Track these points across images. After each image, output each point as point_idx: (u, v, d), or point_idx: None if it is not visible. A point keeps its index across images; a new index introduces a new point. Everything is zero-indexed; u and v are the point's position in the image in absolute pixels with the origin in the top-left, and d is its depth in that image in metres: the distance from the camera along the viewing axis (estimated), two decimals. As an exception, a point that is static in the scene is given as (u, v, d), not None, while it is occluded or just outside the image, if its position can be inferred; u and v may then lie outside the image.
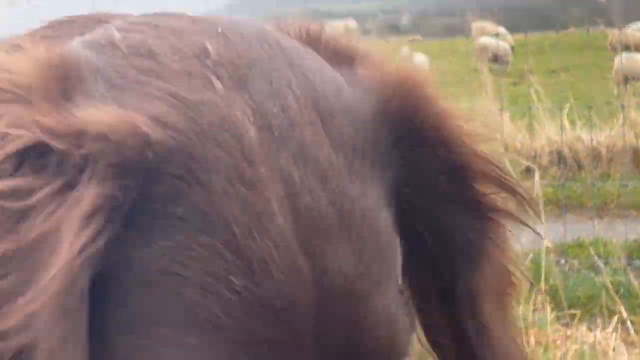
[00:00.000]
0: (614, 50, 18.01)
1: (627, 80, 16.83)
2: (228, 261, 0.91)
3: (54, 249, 0.87)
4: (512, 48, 22.98)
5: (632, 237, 8.36)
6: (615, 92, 16.69)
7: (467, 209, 1.10)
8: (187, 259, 0.91)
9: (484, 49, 20.80)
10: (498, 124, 10.29)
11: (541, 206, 6.68)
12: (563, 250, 7.98)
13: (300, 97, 0.99)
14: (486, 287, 1.12)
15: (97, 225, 0.88)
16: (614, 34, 17.34)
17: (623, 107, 10.76)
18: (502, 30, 24.21)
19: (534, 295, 6.16)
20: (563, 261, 7.75)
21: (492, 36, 21.25)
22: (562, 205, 9.64)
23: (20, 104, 0.93)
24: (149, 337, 0.92)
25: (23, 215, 0.88)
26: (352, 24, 24.78)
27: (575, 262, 7.40)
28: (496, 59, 23.17)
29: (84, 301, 0.88)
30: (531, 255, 6.60)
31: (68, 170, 0.89)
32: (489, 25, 22.49)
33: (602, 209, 9.84)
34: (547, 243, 6.80)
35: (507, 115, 11.01)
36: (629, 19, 15.42)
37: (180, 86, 0.97)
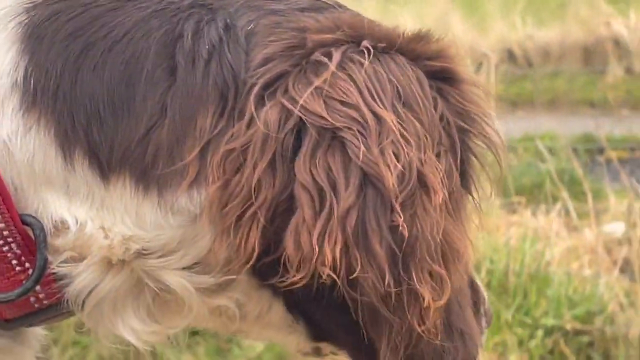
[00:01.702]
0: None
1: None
2: None
3: None
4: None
5: (580, 131, 8.45)
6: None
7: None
8: None
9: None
10: (448, 23, 10.34)
11: (491, 103, 6.73)
12: (512, 145, 8.06)
13: None
14: None
15: None
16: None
17: None
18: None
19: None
20: (512, 155, 7.83)
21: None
22: (511, 102, 9.71)
23: None
24: None
25: None
26: None
27: (522, 152, 7.47)
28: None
29: None
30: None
31: None
32: None
33: (552, 105, 9.92)
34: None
35: (457, 15, 11.02)
36: None
37: None
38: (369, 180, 1.31)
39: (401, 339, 1.35)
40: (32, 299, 1.43)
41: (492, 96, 5.60)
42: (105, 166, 1.38)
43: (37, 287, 1.41)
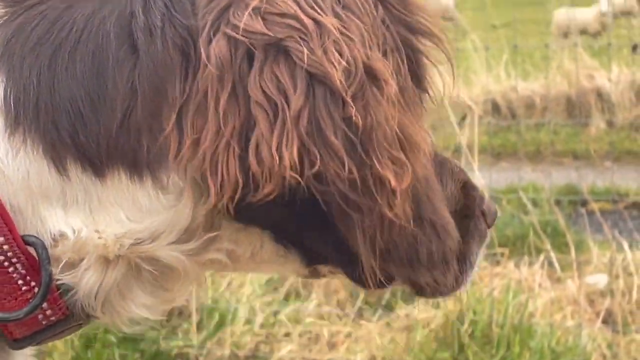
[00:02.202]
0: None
1: (565, 34, 17.02)
2: None
3: None
4: (454, 4, 23.06)
5: (563, 182, 8.50)
6: (554, 45, 16.88)
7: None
8: None
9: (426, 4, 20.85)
10: (432, 75, 10.34)
11: (475, 154, 6.80)
12: (495, 196, 8.10)
13: None
14: None
15: None
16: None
17: (547, 52, 10.86)
18: (442, -14, 24.29)
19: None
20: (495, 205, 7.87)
21: (433, -7, 21.28)
22: (495, 153, 9.78)
23: None
24: None
25: None
26: None
27: (506, 203, 7.51)
28: (441, 16, 23.28)
29: None
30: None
31: None
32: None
33: (536, 157, 9.99)
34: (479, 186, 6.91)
35: (441, 67, 11.09)
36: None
37: None
38: (315, 80, 1.35)
39: (374, 227, 1.40)
40: (40, 316, 1.46)
41: (476, 147, 5.64)
42: (98, 164, 1.41)
43: (44, 305, 1.44)
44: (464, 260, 1.67)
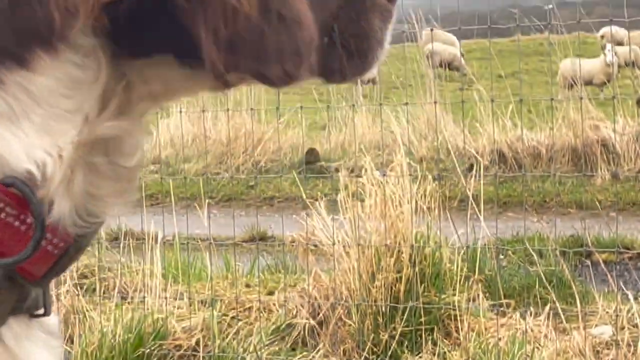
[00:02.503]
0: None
1: (571, 85, 17.13)
2: None
3: None
4: (462, 54, 23.24)
5: (568, 232, 8.55)
6: (560, 96, 16.98)
7: None
8: None
9: (433, 54, 20.98)
10: (439, 125, 10.52)
11: (481, 204, 6.86)
12: (501, 246, 8.15)
13: None
14: None
15: None
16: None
17: (552, 103, 10.94)
18: (450, 36, 24.41)
19: (469, 285, 6.33)
20: (501, 256, 7.93)
21: (441, 42, 21.41)
22: (501, 203, 9.83)
23: None
24: None
25: None
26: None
27: (512, 254, 7.56)
28: (447, 65, 23.40)
29: None
30: (467, 246, 6.79)
31: None
32: (438, 32, 22.70)
33: (541, 207, 10.04)
34: (485, 237, 6.98)
35: (449, 117, 11.20)
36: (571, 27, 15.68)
37: None
38: None
39: (216, 16, 1.33)
40: (49, 247, 1.43)
41: (482, 197, 5.68)
42: (19, 54, 1.34)
43: (48, 235, 1.41)
44: (366, 38, 1.61)
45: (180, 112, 10.79)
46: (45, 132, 1.37)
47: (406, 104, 7.83)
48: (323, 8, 1.55)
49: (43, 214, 1.39)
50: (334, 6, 1.58)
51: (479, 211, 6.76)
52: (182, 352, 6.13)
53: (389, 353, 5.81)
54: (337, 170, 10.50)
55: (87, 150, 1.43)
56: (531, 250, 6.90)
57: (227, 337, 5.91)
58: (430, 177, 6.74)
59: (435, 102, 9.01)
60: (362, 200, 6.57)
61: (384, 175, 6.56)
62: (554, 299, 5.95)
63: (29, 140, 1.36)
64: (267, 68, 1.44)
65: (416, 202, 6.52)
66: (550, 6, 13.75)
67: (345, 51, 1.59)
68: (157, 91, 1.51)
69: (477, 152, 10.33)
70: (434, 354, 5.55)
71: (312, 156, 10.94)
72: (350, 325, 6.08)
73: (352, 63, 1.60)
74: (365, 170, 6.69)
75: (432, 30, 11.12)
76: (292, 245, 7.19)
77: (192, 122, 11.26)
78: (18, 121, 1.35)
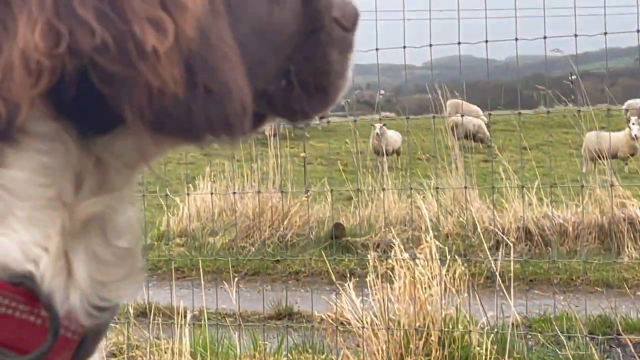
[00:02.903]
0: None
1: (594, 159, 17.14)
2: None
3: None
4: (487, 125, 23.34)
5: (596, 312, 8.52)
6: (584, 169, 16.99)
7: None
8: None
9: (457, 126, 21.06)
10: (465, 200, 10.55)
11: (508, 281, 6.87)
12: (529, 325, 8.13)
13: None
14: None
15: None
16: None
17: (583, 185, 10.96)
18: (474, 107, 24.54)
19: (498, 368, 6.32)
20: (529, 335, 7.90)
21: (466, 113, 21.48)
22: (528, 281, 9.81)
23: None
24: None
25: None
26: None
27: (541, 337, 7.53)
28: (472, 136, 23.49)
29: None
30: (496, 329, 6.78)
31: None
32: (462, 103, 22.83)
33: (568, 285, 10.01)
34: (512, 317, 6.97)
35: (475, 192, 11.23)
36: (595, 100, 15.75)
37: None
38: None
39: (141, 97, 1.30)
40: (68, 334, 1.43)
41: (509, 275, 5.69)
42: None
43: (65, 322, 1.40)
44: (325, 73, 1.59)
45: (212, 194, 10.88)
46: (33, 226, 1.36)
47: (436, 188, 7.85)
48: (277, 53, 1.54)
49: (55, 305, 1.38)
50: (288, 49, 1.56)
51: (506, 289, 6.76)
52: None
53: None
54: (363, 245, 10.52)
55: (80, 236, 1.42)
56: (559, 334, 6.88)
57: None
58: (459, 260, 6.76)
59: (465, 187, 9.07)
60: (392, 282, 6.59)
61: (413, 258, 6.59)
62: (584, 384, 5.93)
63: (22, 237, 1.35)
64: (197, 138, 1.40)
65: (445, 284, 6.54)
66: (574, 77, 13.83)
67: (305, 91, 1.57)
68: (131, 160, 1.49)
69: (504, 229, 10.36)
70: None
71: (338, 230, 10.97)
72: (379, 408, 6.07)
73: (313, 101, 1.59)
74: (392, 248, 6.73)
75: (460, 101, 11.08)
76: (321, 325, 7.20)
77: (218, 196, 11.32)
78: (6, 219, 1.35)
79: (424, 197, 11.04)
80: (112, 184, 1.46)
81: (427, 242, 6.57)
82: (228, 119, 1.40)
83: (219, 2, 1.41)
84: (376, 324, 6.54)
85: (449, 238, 10.31)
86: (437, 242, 6.71)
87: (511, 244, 7.89)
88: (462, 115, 19.39)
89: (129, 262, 1.51)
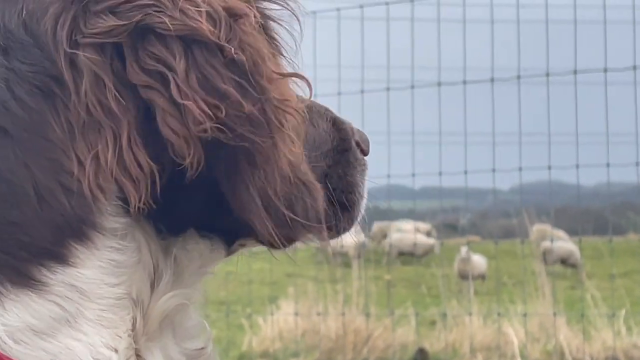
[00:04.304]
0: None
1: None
2: None
3: None
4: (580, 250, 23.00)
5: None
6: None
7: None
8: None
9: (549, 252, 20.75)
10: (553, 327, 10.34)
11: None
12: None
13: None
14: None
15: None
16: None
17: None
18: (561, 233, 24.19)
19: None
20: None
21: (555, 239, 21.16)
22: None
23: None
24: None
25: None
26: (409, 224, 24.89)
27: None
28: (563, 261, 23.10)
29: None
30: None
31: None
32: (548, 228, 22.56)
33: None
34: None
35: (562, 320, 11.00)
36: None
37: None
38: (188, 40, 1.39)
39: (265, 179, 1.41)
40: None
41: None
42: (55, 251, 1.38)
43: None
44: (353, 193, 1.70)
45: (296, 314, 10.84)
46: (102, 326, 1.38)
47: (524, 315, 7.72)
48: (317, 169, 1.62)
49: None
50: (324, 166, 1.66)
51: None
52: None
53: None
54: (447, 371, 10.34)
55: (155, 336, 1.45)
56: None
57: None
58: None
59: (554, 314, 8.90)
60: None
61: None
62: None
63: (91, 340, 1.36)
64: (297, 234, 1.51)
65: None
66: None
67: (338, 208, 1.67)
68: (197, 263, 1.54)
69: (592, 358, 10.10)
70: None
71: (422, 355, 10.81)
72: None
73: (344, 218, 1.68)
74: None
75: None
76: None
77: (301, 317, 11.27)
78: (76, 322, 1.36)
79: (510, 323, 10.84)
80: (185, 282, 1.51)
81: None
82: (319, 214, 1.51)
83: None
84: None
85: (536, 366, 10.09)
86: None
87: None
88: (552, 240, 19.17)
89: None
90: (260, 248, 1.62)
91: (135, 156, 1.37)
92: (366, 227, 1.69)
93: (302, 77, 1.55)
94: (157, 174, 1.39)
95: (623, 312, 11.11)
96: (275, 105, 1.41)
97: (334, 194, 1.66)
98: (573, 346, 10.24)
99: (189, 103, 1.35)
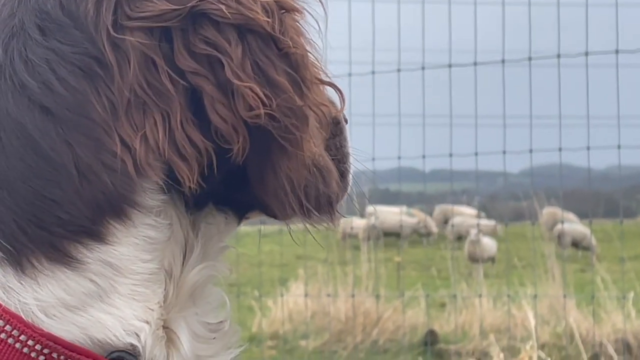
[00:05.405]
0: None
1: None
2: None
3: None
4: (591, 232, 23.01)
5: None
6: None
7: None
8: None
9: (562, 234, 20.74)
10: (563, 310, 10.35)
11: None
12: None
13: None
14: None
15: None
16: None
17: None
18: (571, 216, 24.18)
19: None
20: None
21: (566, 222, 21.14)
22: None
23: None
24: None
25: None
26: (469, 209, 24.72)
27: None
28: (576, 244, 23.09)
29: None
30: None
31: None
32: (558, 211, 22.55)
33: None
34: None
35: (572, 302, 11.00)
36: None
37: None
38: (244, 29, 1.41)
39: (290, 164, 1.44)
40: None
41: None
42: (91, 229, 1.39)
43: None
44: (346, 163, 1.72)
45: (306, 295, 10.85)
46: (135, 300, 1.40)
47: (535, 296, 7.72)
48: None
49: None
50: (325, 139, 1.66)
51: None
52: None
53: None
54: (457, 353, 10.35)
55: (184, 309, 1.48)
56: None
57: None
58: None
59: (564, 296, 8.90)
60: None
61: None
62: None
63: (122, 313, 1.39)
64: (307, 214, 1.52)
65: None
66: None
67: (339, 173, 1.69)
68: (217, 236, 1.57)
69: (601, 341, 10.10)
70: None
71: (431, 337, 10.83)
72: None
73: (341, 188, 1.68)
74: (487, 356, 6.61)
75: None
76: None
77: (311, 299, 11.29)
78: (108, 297, 1.38)
79: (519, 305, 10.85)
80: (211, 255, 1.55)
81: (526, 351, 6.44)
82: (330, 199, 1.57)
83: None
84: None
85: (545, 348, 10.08)
86: (540, 352, 6.57)
87: (608, 356, 7.70)
88: (562, 222, 19.14)
89: (221, 337, 1.55)
90: (271, 229, 1.69)
91: (188, 135, 1.39)
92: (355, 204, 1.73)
93: (337, 88, 1.59)
94: (213, 153, 1.40)
95: (632, 294, 11.11)
96: (315, 106, 1.46)
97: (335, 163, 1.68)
98: (583, 328, 10.24)
99: (245, 87, 1.38)
